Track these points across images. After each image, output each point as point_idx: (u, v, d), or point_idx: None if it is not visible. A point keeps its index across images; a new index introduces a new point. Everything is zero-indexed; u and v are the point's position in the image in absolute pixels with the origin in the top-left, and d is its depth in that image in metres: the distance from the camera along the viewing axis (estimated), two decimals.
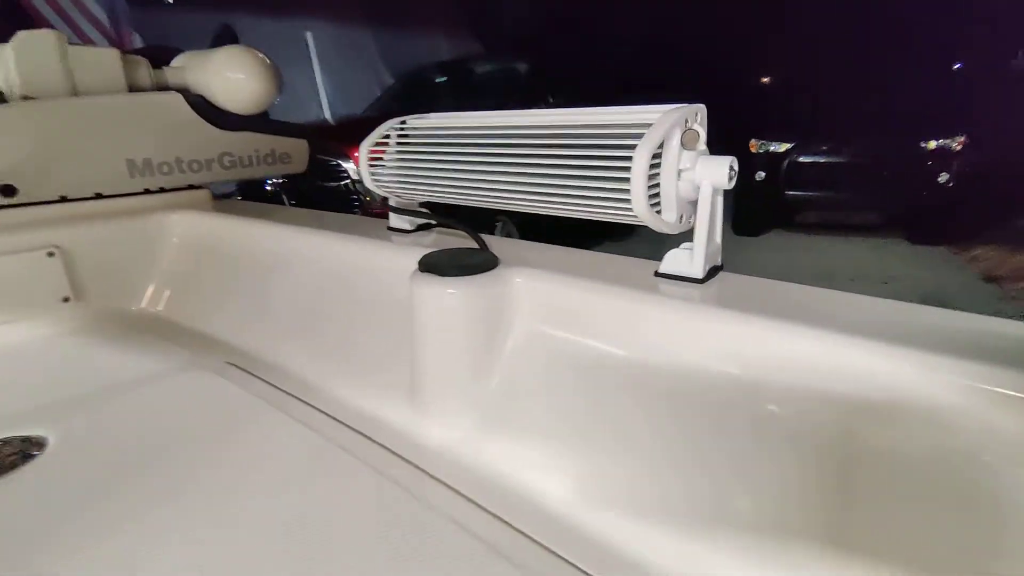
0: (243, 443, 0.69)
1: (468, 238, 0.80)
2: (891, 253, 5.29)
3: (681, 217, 0.59)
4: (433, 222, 0.92)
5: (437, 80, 5.79)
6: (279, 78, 1.30)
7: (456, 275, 0.65)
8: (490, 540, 0.51)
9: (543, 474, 0.60)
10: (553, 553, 0.51)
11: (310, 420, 0.74)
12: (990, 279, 4.50)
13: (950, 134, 5.08)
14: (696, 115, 0.59)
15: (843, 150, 5.37)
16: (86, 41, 5.13)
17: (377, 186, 0.84)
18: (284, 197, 3.36)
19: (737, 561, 0.47)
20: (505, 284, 0.66)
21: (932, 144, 5.11)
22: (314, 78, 7.10)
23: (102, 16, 5.26)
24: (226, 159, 1.32)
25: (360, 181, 3.53)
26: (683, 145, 0.57)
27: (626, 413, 0.58)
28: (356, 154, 3.66)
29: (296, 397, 0.80)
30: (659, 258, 0.64)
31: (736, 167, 0.56)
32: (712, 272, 0.61)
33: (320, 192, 3.54)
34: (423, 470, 0.63)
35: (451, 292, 0.64)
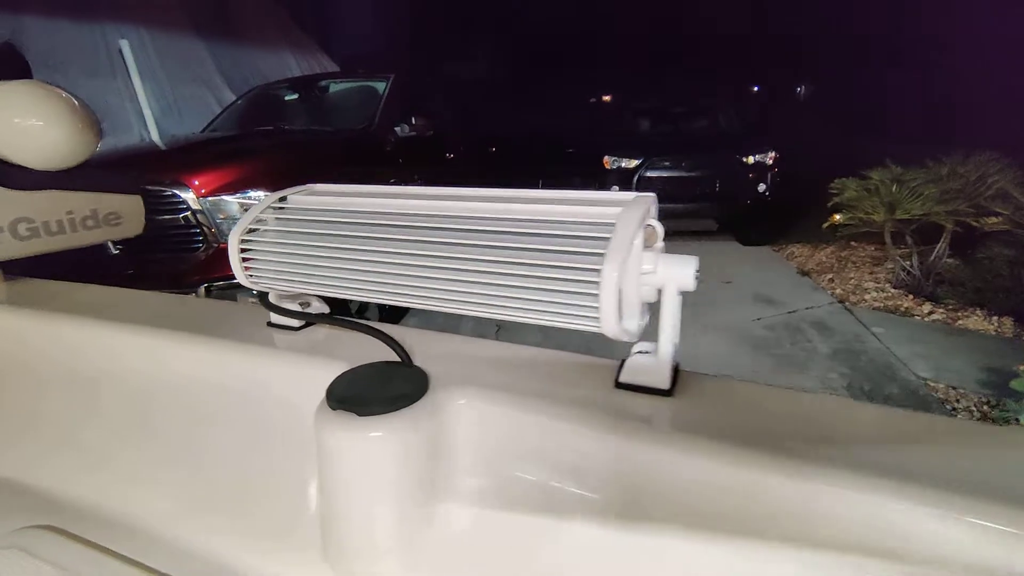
0: None
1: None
2: (728, 255, 5.98)
3: (644, 317, 0.52)
4: (319, 313, 0.75)
5: (287, 98, 5.38)
6: (95, 124, 1.01)
7: (380, 412, 0.51)
8: None
9: None
10: None
11: None
12: (803, 273, 5.27)
13: (764, 150, 5.93)
14: (650, 208, 0.52)
15: (682, 165, 5.99)
16: None
17: (252, 282, 0.66)
18: (109, 243, 2.80)
19: None
20: (442, 412, 0.54)
21: (751, 159, 5.92)
22: (134, 94, 6.14)
23: None
24: (22, 227, 1.00)
25: (202, 212, 3.07)
26: (645, 243, 0.50)
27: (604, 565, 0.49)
28: (195, 182, 3.17)
29: (150, 568, 0.59)
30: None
31: (695, 271, 0.51)
32: (675, 374, 0.55)
33: (155, 228, 3.02)
34: None
35: (375, 435, 0.50)
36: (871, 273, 5.06)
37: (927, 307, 4.31)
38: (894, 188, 4.36)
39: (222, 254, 3.11)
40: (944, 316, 4.15)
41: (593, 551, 0.49)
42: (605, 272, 0.44)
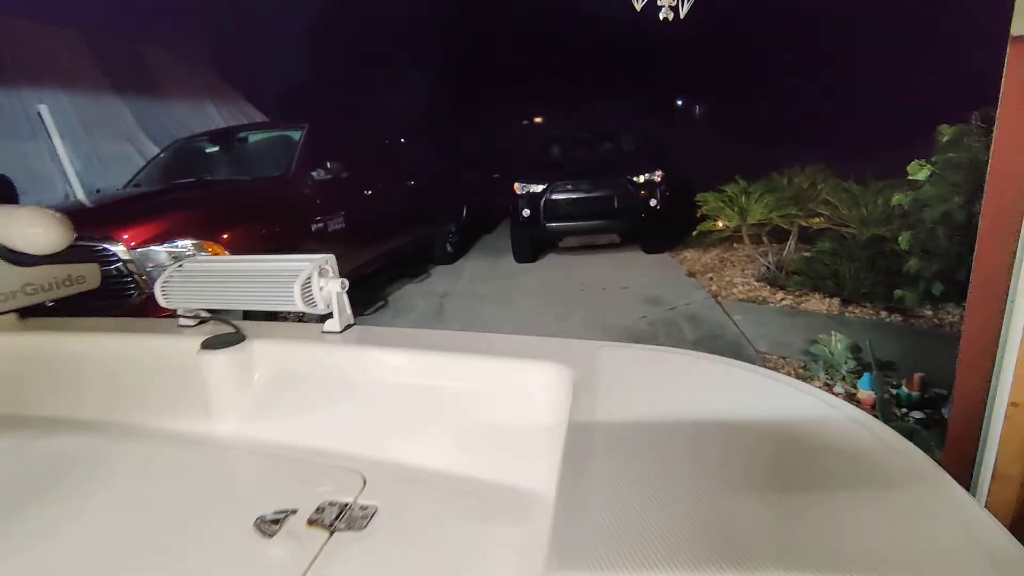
0: (113, 471, 1.29)
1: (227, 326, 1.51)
2: (631, 263, 7.00)
3: (328, 305, 1.40)
4: (207, 317, 1.60)
5: (208, 150, 5.95)
6: (69, 227, 1.83)
7: (220, 348, 1.36)
8: (254, 464, 1.23)
9: (277, 435, 1.33)
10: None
11: (160, 440, 1.37)
12: (691, 274, 6.32)
13: (652, 170, 7.02)
14: (327, 261, 1.40)
15: (581, 187, 6.99)
16: None
17: (168, 303, 1.51)
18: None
19: None
20: (248, 349, 1.39)
21: (642, 178, 6.98)
22: (55, 154, 6.77)
23: None
24: (28, 288, 1.80)
25: (132, 261, 3.70)
26: (320, 275, 1.37)
27: (322, 404, 1.35)
28: (124, 235, 3.85)
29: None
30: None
31: (347, 285, 1.38)
32: (347, 327, 1.42)
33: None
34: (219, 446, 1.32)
35: (219, 358, 1.35)
36: (743, 271, 6.14)
37: (780, 295, 5.36)
38: (743, 199, 5.48)
39: (153, 299, 3.81)
40: (791, 301, 5.19)
41: (312, 405, 1.36)
42: (294, 287, 1.32)
